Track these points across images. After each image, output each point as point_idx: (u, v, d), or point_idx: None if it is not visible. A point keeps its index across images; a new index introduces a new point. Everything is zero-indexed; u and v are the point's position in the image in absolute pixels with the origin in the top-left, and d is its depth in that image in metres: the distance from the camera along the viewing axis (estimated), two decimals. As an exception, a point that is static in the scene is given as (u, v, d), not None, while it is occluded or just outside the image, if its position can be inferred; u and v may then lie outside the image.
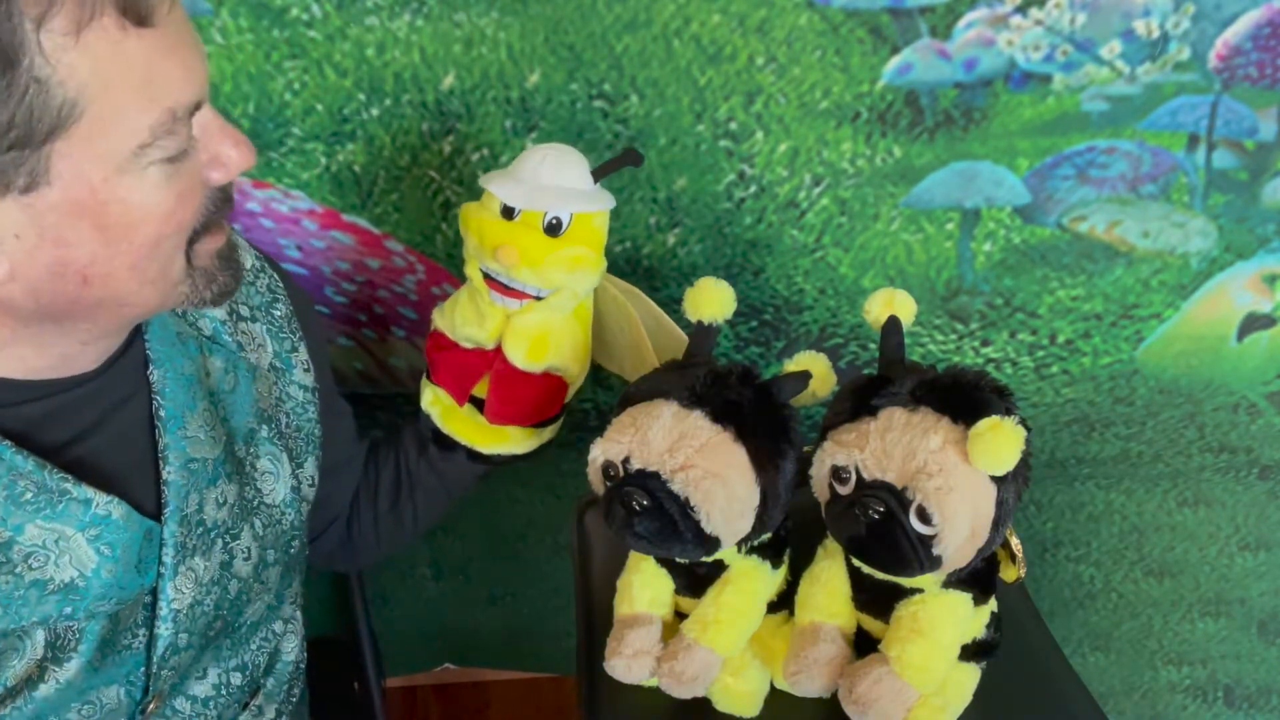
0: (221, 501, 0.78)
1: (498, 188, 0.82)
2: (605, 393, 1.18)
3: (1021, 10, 0.90)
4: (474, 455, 0.93)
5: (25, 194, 0.59)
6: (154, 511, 0.73)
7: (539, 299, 0.84)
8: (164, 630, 0.74)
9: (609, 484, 0.76)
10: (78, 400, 0.71)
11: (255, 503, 0.82)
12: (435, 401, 0.93)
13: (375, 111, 0.96)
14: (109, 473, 0.71)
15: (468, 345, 0.88)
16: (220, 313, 0.82)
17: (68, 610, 0.69)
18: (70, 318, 0.67)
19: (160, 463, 0.74)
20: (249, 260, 0.87)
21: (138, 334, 0.76)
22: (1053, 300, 1.07)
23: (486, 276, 0.84)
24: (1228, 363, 1.11)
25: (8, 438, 0.67)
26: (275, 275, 0.88)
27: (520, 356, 0.86)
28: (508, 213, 0.82)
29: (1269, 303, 1.07)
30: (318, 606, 1.34)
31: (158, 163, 0.61)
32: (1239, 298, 1.07)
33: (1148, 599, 1.39)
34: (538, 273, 0.82)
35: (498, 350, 0.87)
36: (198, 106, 0.62)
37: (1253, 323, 1.09)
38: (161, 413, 0.75)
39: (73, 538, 0.68)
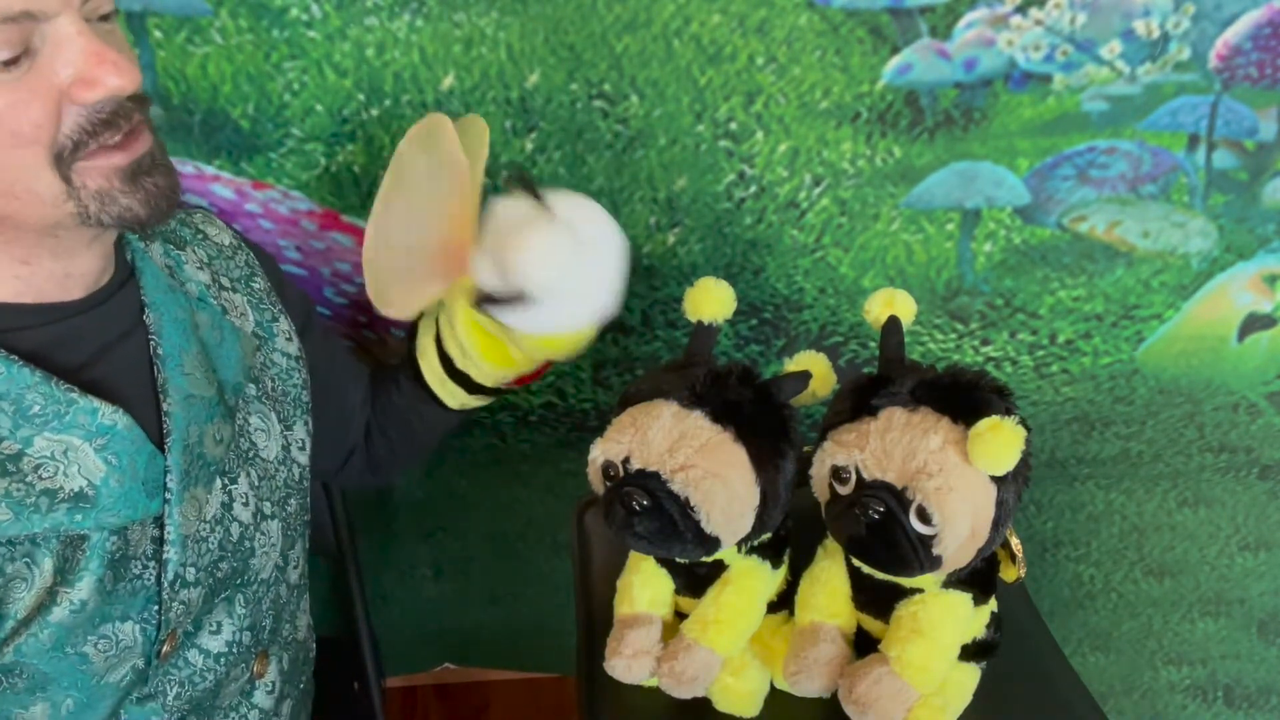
0: (219, 439, 0.80)
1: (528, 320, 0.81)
2: (605, 393, 1.18)
3: (1021, 10, 0.90)
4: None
5: None
6: (156, 444, 0.75)
7: None
8: (172, 555, 0.76)
9: (609, 484, 0.76)
10: (76, 329, 0.74)
11: (250, 454, 0.84)
12: (458, 396, 0.95)
13: (375, 111, 0.96)
14: (113, 398, 0.73)
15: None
16: (205, 277, 0.85)
17: (78, 518, 0.70)
18: None
19: (160, 396, 0.77)
20: (226, 238, 0.91)
21: (131, 278, 0.79)
22: (1053, 300, 1.07)
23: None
24: (1228, 363, 1.11)
25: (15, 355, 0.70)
26: (251, 253, 0.92)
27: None
28: None
29: (1269, 303, 1.07)
30: (318, 606, 1.34)
31: None
32: (1239, 298, 1.07)
33: (1148, 599, 1.39)
34: None
35: None
36: (30, 16, 0.62)
37: (1253, 323, 1.09)
38: (160, 350, 0.78)
39: (80, 448, 0.70)
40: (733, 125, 0.96)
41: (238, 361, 0.85)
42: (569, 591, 0.94)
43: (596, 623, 0.88)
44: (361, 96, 0.95)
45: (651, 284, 1.07)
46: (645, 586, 0.83)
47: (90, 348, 0.75)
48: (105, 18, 0.69)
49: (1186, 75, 0.93)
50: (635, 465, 0.74)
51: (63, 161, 0.67)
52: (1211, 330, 1.09)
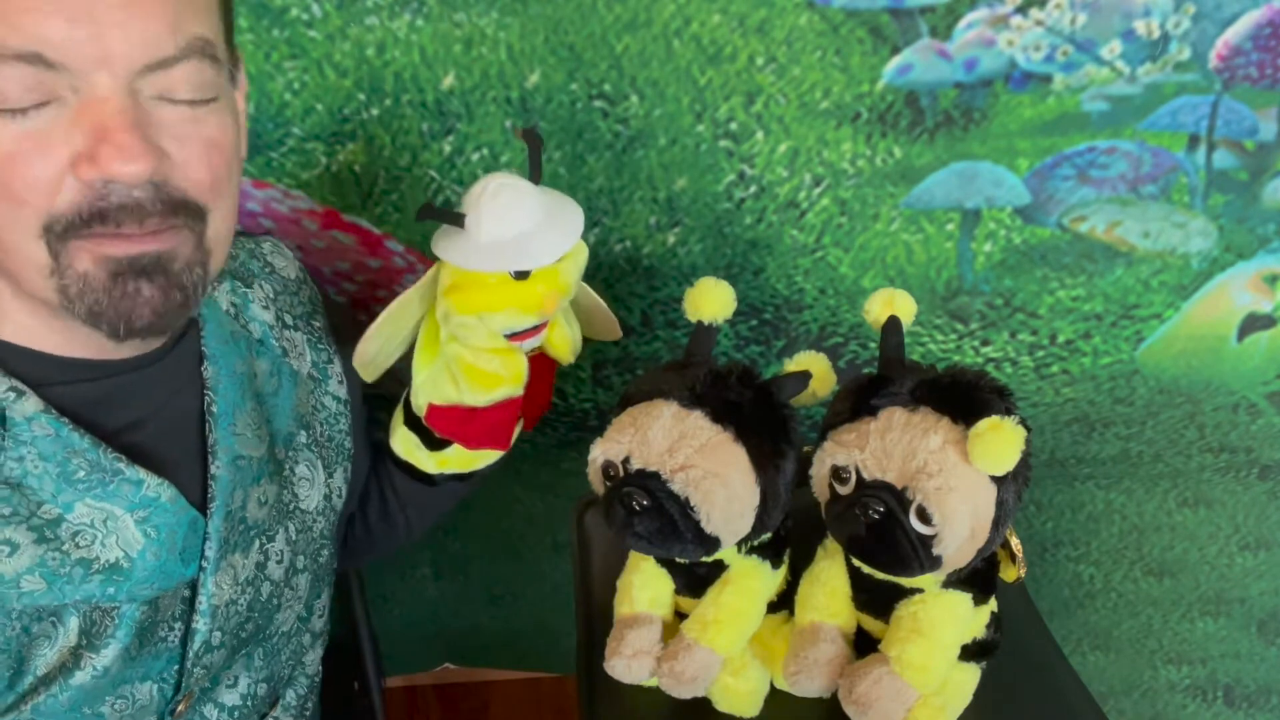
0: (263, 501, 0.78)
1: (507, 261, 0.75)
2: (605, 393, 1.18)
3: (1022, 10, 0.90)
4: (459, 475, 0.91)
5: None
6: (199, 505, 0.73)
7: None
8: (201, 625, 0.74)
9: (609, 484, 0.76)
10: (130, 385, 0.71)
11: (291, 507, 0.82)
12: (410, 447, 0.89)
13: (375, 111, 0.95)
14: (158, 461, 0.71)
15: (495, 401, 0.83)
16: (269, 317, 0.83)
17: (110, 591, 0.69)
18: None
19: (209, 457, 0.74)
20: (292, 271, 0.88)
21: (193, 329, 0.76)
22: (1053, 300, 1.07)
23: (509, 335, 0.79)
24: (1228, 363, 1.11)
25: (64, 415, 0.67)
26: (315, 289, 0.90)
27: (571, 357, 0.86)
28: (521, 275, 0.76)
29: (1269, 303, 1.07)
30: (318, 606, 1.35)
31: None
32: (1239, 298, 1.07)
33: (1148, 599, 1.39)
34: (569, 296, 0.80)
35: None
36: (44, 61, 0.57)
37: (1253, 323, 1.09)
38: (214, 408, 0.75)
39: (121, 518, 0.68)
40: (733, 125, 0.96)
41: (292, 409, 0.83)
42: (569, 591, 0.94)
43: (596, 623, 0.88)
44: (362, 96, 0.95)
45: (651, 284, 1.07)
46: (645, 586, 0.83)
47: (141, 408, 0.72)
48: (195, 102, 0.62)
49: (1187, 75, 0.93)
50: (635, 465, 0.74)
51: (52, 234, 0.61)
52: (1211, 330, 1.09)
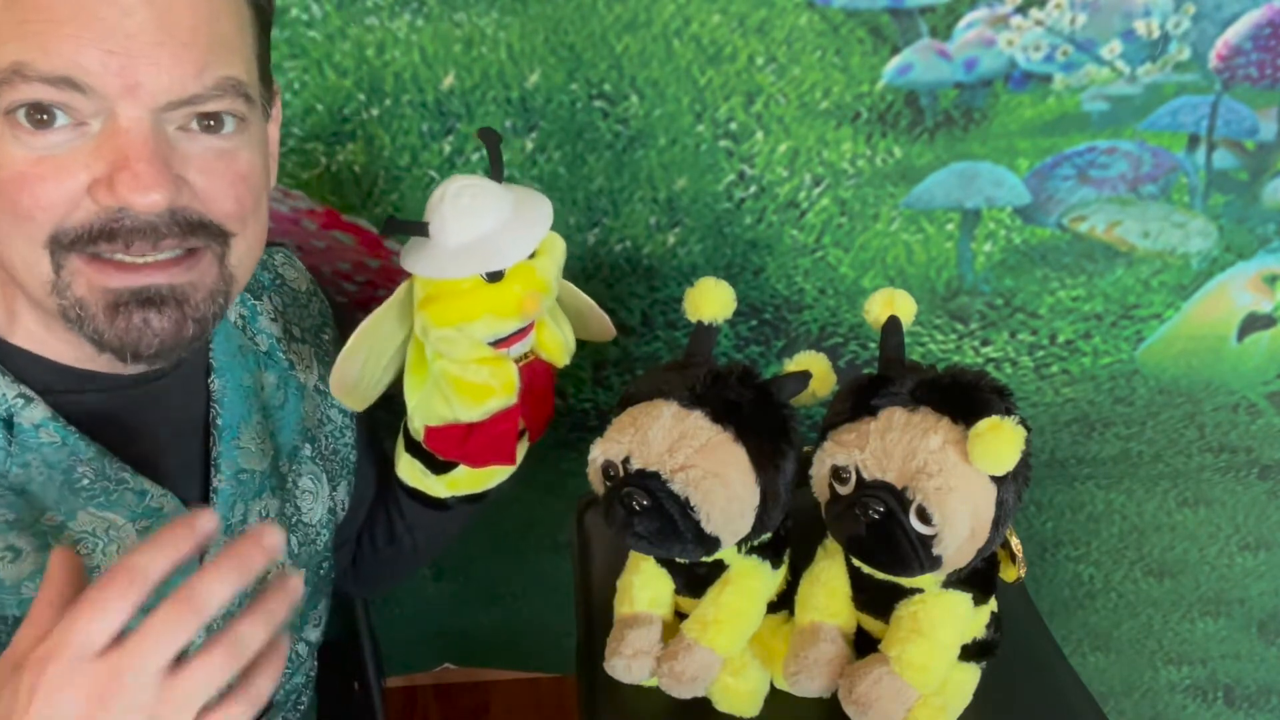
0: (264, 515, 0.78)
1: (476, 263, 0.73)
2: (605, 393, 1.18)
3: (1021, 10, 0.90)
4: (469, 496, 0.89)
5: None
6: None
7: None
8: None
9: (609, 484, 0.76)
10: (138, 398, 0.71)
11: (294, 520, 0.82)
12: (416, 474, 0.86)
13: (375, 111, 0.96)
14: (161, 472, 0.71)
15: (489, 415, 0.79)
16: (277, 330, 0.83)
17: None
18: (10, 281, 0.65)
19: (211, 470, 0.75)
20: (303, 284, 0.88)
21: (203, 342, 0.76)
22: (1053, 300, 1.07)
23: (494, 343, 0.77)
24: (1228, 363, 1.11)
25: (71, 424, 0.67)
26: (325, 301, 0.89)
27: (565, 359, 0.83)
28: (494, 276, 0.73)
29: (1269, 303, 1.07)
30: (318, 606, 1.34)
31: (11, 121, 0.58)
32: (1239, 298, 1.07)
33: (1148, 599, 1.39)
34: (551, 294, 0.78)
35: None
36: (74, 85, 0.58)
37: (1253, 323, 1.09)
38: (219, 421, 0.75)
39: (123, 528, 0.68)
40: (733, 125, 0.96)
41: (297, 422, 0.82)
42: (569, 591, 0.94)
43: (596, 623, 0.88)
44: (362, 96, 0.95)
45: (651, 284, 1.07)
46: (645, 586, 0.83)
47: (146, 419, 0.72)
48: (210, 126, 0.62)
49: (1187, 75, 0.93)
50: (635, 465, 0.74)
51: (57, 245, 0.61)
52: (1211, 330, 1.09)
